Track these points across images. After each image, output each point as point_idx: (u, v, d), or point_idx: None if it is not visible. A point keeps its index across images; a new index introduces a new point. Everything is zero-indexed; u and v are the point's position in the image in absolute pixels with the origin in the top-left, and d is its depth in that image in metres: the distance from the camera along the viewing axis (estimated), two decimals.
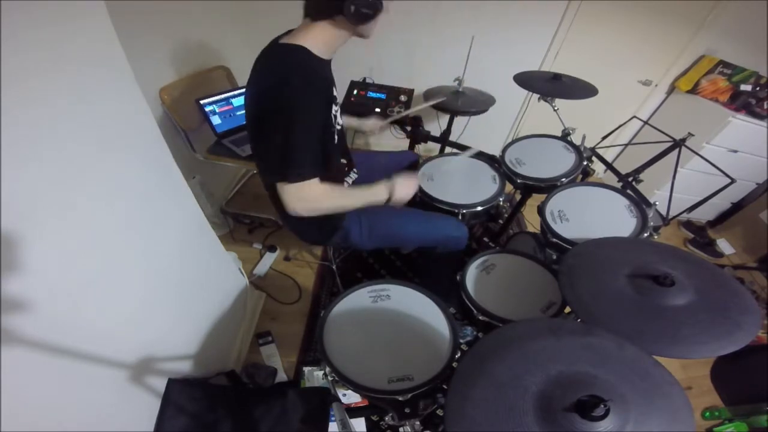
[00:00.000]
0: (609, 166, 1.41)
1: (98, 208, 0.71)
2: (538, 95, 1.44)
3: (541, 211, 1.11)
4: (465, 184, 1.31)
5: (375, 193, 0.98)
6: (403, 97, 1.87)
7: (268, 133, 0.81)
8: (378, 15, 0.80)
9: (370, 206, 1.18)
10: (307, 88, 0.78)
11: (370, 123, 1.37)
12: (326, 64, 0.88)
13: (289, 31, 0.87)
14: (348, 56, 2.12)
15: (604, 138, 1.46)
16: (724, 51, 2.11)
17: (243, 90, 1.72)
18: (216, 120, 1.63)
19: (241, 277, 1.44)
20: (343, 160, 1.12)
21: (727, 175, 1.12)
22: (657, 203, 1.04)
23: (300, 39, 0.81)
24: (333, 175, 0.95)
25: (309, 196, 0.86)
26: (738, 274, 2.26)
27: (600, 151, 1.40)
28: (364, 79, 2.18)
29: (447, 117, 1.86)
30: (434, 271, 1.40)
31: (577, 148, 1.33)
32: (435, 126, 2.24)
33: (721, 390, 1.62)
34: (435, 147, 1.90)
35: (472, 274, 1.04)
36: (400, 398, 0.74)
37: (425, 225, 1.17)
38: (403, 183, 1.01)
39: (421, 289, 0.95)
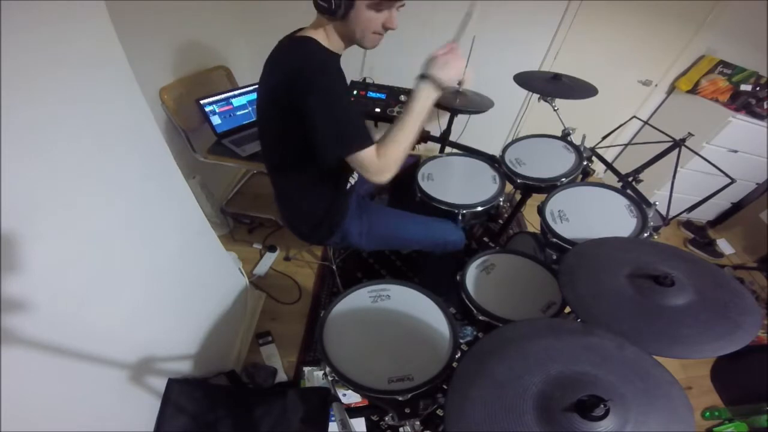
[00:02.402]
0: (609, 166, 1.41)
1: (98, 208, 0.71)
2: (538, 95, 1.44)
3: (541, 211, 1.11)
4: (465, 184, 1.31)
5: (423, 103, 0.84)
6: (403, 97, 1.87)
7: (321, 117, 0.79)
8: (347, 15, 0.78)
9: (369, 207, 1.18)
10: (330, 69, 0.80)
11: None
12: (336, 57, 0.88)
13: (300, 29, 0.89)
14: (348, 56, 2.11)
15: (604, 138, 1.46)
16: (724, 51, 2.11)
17: (243, 90, 1.74)
18: (216, 120, 1.63)
19: (241, 277, 1.44)
20: None
21: (727, 175, 1.12)
22: (657, 203, 1.03)
23: (309, 32, 0.84)
24: (340, 171, 0.94)
25: (384, 158, 0.82)
26: (738, 274, 2.26)
27: (600, 151, 1.40)
28: (364, 79, 2.18)
29: (447, 117, 1.86)
30: (434, 271, 1.41)
31: (577, 148, 1.33)
32: (435, 126, 2.24)
33: (721, 390, 1.62)
34: (435, 147, 1.90)
35: (472, 274, 1.04)
36: (400, 398, 0.73)
37: (424, 227, 1.17)
38: (440, 63, 0.84)
39: (421, 289, 0.95)
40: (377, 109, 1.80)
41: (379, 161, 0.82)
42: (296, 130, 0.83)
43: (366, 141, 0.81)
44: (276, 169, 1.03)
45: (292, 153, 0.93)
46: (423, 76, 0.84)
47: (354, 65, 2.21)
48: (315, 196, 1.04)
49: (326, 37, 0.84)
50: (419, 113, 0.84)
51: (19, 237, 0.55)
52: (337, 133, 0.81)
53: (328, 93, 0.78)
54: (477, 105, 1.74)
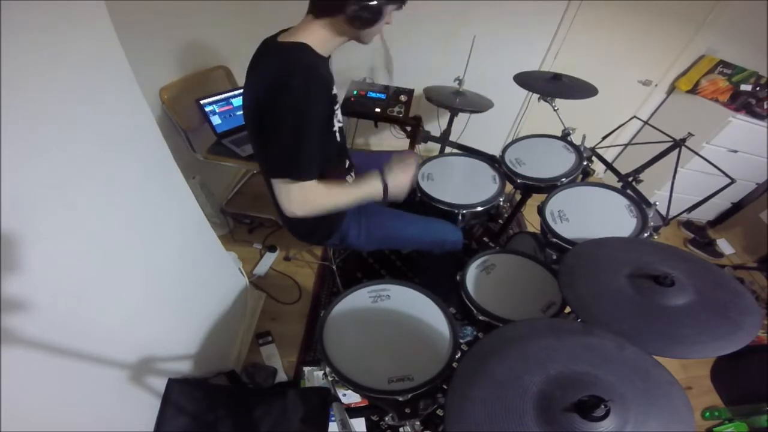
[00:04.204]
0: (609, 166, 1.41)
1: (98, 208, 0.71)
2: (538, 95, 1.44)
3: (541, 211, 1.11)
4: (465, 184, 1.31)
5: (369, 189, 0.94)
6: (403, 97, 1.87)
7: (271, 133, 0.80)
8: (377, 23, 0.80)
9: (368, 207, 1.18)
10: (310, 87, 0.78)
11: None
12: (325, 60, 0.88)
13: (285, 30, 0.88)
14: (348, 56, 2.12)
15: (604, 138, 1.46)
16: (724, 51, 2.11)
17: (243, 90, 1.73)
18: (216, 120, 1.63)
19: (241, 277, 1.44)
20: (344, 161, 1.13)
21: (727, 175, 1.12)
22: (657, 203, 1.03)
23: (300, 36, 0.82)
24: (332, 176, 0.95)
25: (309, 196, 0.86)
26: (738, 274, 2.26)
27: (600, 151, 1.40)
28: (364, 79, 2.19)
29: (447, 116, 1.86)
30: (434, 271, 1.40)
31: (577, 148, 1.33)
32: (435, 126, 2.24)
33: (721, 390, 1.62)
34: (435, 147, 1.90)
35: (472, 274, 1.04)
36: (400, 398, 0.73)
37: (422, 227, 1.17)
38: (398, 176, 0.94)
39: (421, 289, 0.95)
40: (377, 109, 1.80)
41: (303, 199, 0.85)
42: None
43: (306, 173, 0.82)
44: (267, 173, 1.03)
45: None
46: (380, 173, 0.94)
47: (354, 65, 2.21)
48: None
49: (320, 40, 0.82)
50: (358, 197, 0.93)
51: (19, 237, 0.55)
52: (288, 155, 0.80)
53: (299, 115, 0.77)
54: (477, 105, 1.74)
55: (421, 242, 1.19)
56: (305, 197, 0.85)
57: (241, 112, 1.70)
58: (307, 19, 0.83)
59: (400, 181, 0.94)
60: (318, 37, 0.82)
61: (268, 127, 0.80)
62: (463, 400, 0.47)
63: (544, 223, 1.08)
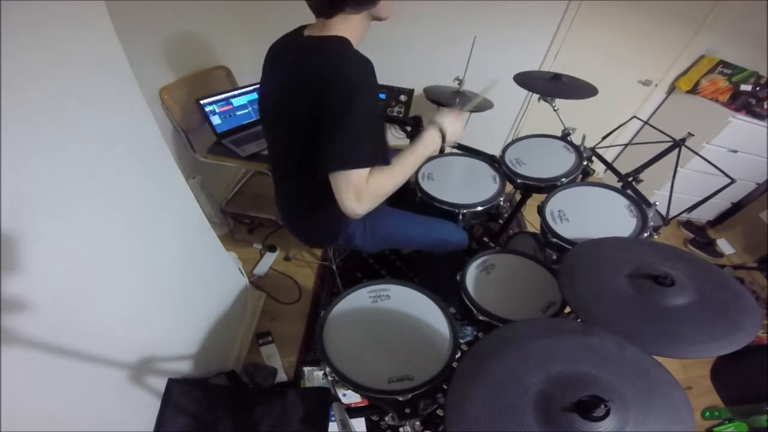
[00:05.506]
0: (609, 166, 1.41)
1: (98, 208, 0.71)
2: (538, 95, 1.44)
3: (541, 211, 1.11)
4: (465, 184, 1.31)
5: (427, 146, 0.88)
6: (403, 97, 1.87)
7: (336, 125, 0.75)
8: None
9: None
10: (368, 77, 0.77)
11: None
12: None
13: (306, 26, 0.87)
14: None
15: (604, 138, 1.46)
16: (724, 51, 2.11)
17: (243, 90, 1.73)
18: (216, 120, 1.63)
19: (241, 277, 1.44)
20: None
21: (727, 175, 1.12)
22: (657, 203, 1.03)
23: (333, 30, 0.80)
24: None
25: (373, 186, 0.78)
26: (738, 274, 2.26)
27: (600, 151, 1.40)
28: None
29: None
30: (434, 271, 1.40)
31: (577, 148, 1.33)
32: None
33: (721, 390, 1.62)
34: None
35: (472, 274, 1.04)
36: (400, 398, 0.73)
37: (426, 228, 1.17)
38: (454, 122, 0.91)
39: (421, 289, 0.95)
40: None
41: (367, 187, 0.78)
42: (316, 134, 0.79)
43: (384, 159, 0.80)
44: (284, 172, 1.02)
45: (306, 158, 0.87)
46: (433, 123, 0.89)
47: None
48: (322, 202, 1.03)
49: (352, 31, 0.81)
50: (421, 155, 0.87)
51: (20, 237, 0.55)
52: (352, 146, 0.76)
53: (367, 106, 0.76)
54: (477, 105, 1.74)
55: (423, 242, 1.19)
56: (371, 186, 0.78)
57: (241, 112, 1.73)
58: (321, 21, 0.82)
59: (456, 127, 0.91)
60: (346, 30, 0.81)
61: (328, 121, 0.76)
62: (463, 400, 0.47)
63: (544, 223, 1.08)
